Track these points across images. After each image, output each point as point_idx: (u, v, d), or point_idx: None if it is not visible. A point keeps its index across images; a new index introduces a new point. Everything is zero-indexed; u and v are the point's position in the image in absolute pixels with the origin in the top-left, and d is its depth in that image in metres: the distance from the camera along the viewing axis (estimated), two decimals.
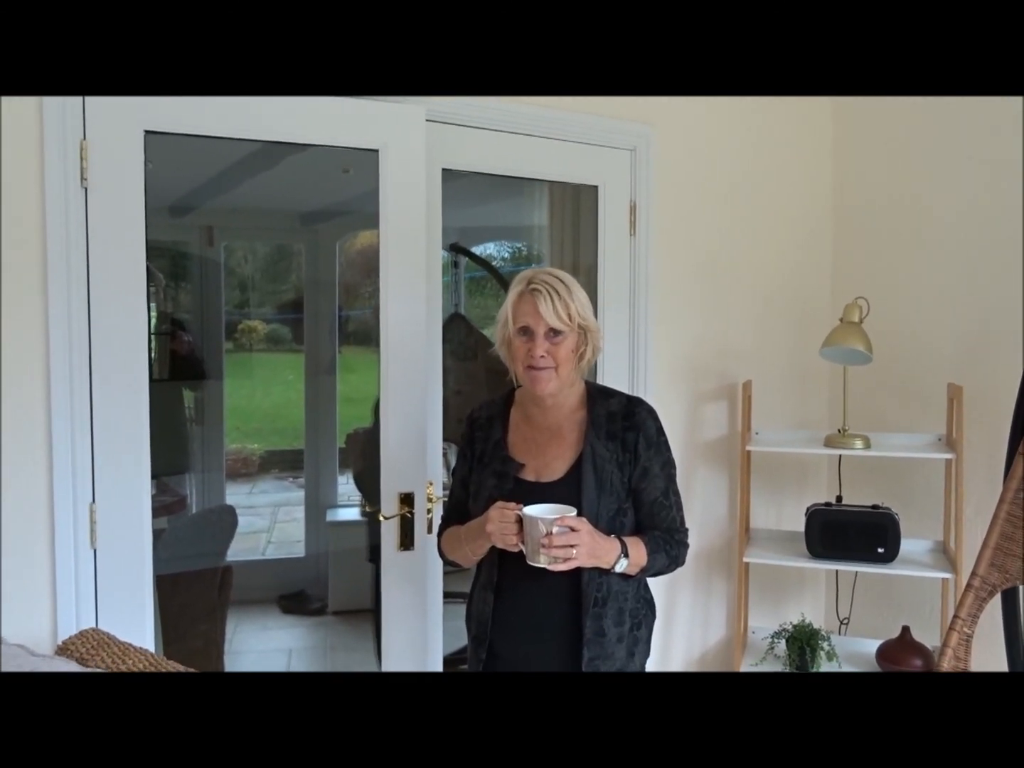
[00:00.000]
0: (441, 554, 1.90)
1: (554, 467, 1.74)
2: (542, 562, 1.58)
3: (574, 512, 1.60)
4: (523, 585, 1.71)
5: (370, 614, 3.57)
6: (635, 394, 2.67)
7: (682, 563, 1.80)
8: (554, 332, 1.67)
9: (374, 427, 2.89)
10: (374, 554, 3.04)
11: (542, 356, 1.67)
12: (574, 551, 1.57)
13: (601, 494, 1.70)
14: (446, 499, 1.94)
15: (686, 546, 1.80)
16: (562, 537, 1.56)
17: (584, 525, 1.60)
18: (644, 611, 1.80)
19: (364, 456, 3.55)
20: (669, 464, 1.78)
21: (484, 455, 1.79)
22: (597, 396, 1.80)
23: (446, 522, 1.88)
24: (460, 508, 1.84)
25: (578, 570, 1.63)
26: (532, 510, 1.59)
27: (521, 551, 1.61)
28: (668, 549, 1.75)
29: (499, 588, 1.74)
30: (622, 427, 1.74)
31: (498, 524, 1.61)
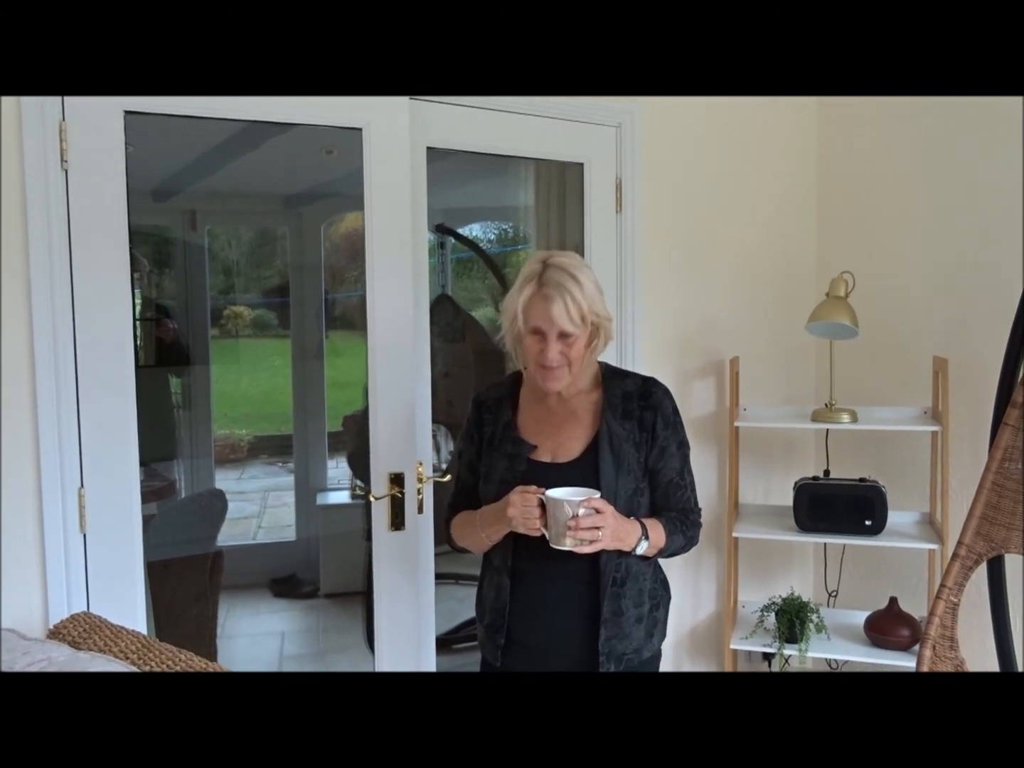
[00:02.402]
0: (450, 542, 1.86)
1: (570, 447, 1.72)
2: (568, 545, 1.56)
3: (598, 494, 1.59)
4: (540, 568, 1.69)
5: (361, 596, 3.59)
6: None
7: (696, 543, 1.80)
8: (567, 333, 1.63)
9: (366, 409, 2.89)
10: (369, 535, 3.04)
11: (554, 356, 1.65)
12: (599, 533, 1.56)
13: (619, 473, 1.68)
14: (451, 484, 1.90)
15: (700, 526, 1.80)
16: (588, 519, 1.55)
17: (608, 507, 1.58)
18: (661, 592, 1.80)
19: (357, 437, 3.54)
20: (684, 444, 1.78)
21: (494, 437, 1.77)
22: (611, 377, 1.78)
23: (454, 508, 1.85)
24: (469, 493, 1.81)
25: (596, 552, 1.62)
26: (556, 493, 1.57)
27: (541, 535, 1.59)
28: (684, 530, 1.75)
29: (515, 572, 1.71)
30: (639, 407, 1.73)
31: (520, 508, 1.58)
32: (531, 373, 1.74)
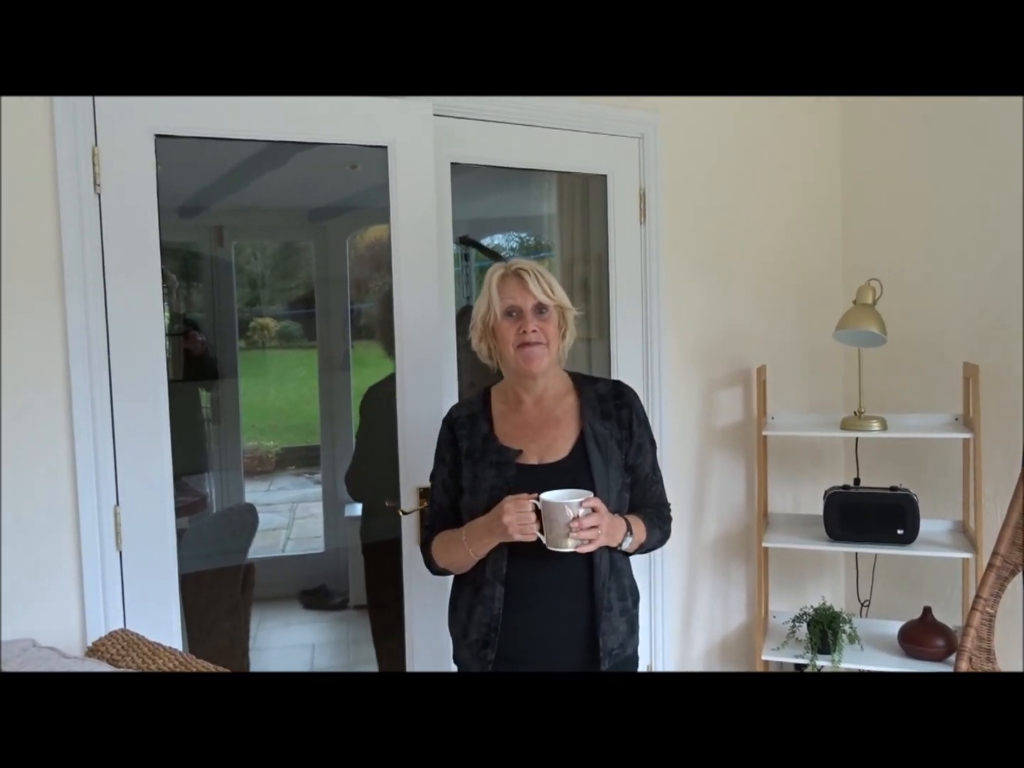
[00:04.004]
0: (430, 565, 1.82)
1: (556, 447, 1.75)
2: (569, 546, 1.58)
3: (590, 494, 1.62)
4: (534, 574, 1.69)
5: (390, 607, 3.58)
6: (650, 382, 2.69)
7: (669, 537, 1.86)
8: (541, 309, 1.72)
9: (361, 425, 2.88)
10: (365, 548, 3.05)
11: (534, 331, 1.70)
12: (598, 531, 1.59)
13: (608, 470, 1.73)
14: (427, 507, 1.88)
15: (671, 520, 1.87)
16: (589, 519, 1.58)
17: (602, 505, 1.62)
18: (636, 589, 1.84)
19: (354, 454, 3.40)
20: (654, 442, 1.85)
21: (474, 451, 1.76)
22: (582, 381, 1.85)
23: (432, 531, 1.82)
24: (444, 514, 1.80)
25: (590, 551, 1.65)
26: (551, 496, 1.60)
27: (534, 541, 1.60)
28: (661, 525, 1.82)
29: (509, 581, 1.70)
30: (615, 406, 1.79)
31: (516, 515, 1.60)
32: (510, 363, 1.76)
